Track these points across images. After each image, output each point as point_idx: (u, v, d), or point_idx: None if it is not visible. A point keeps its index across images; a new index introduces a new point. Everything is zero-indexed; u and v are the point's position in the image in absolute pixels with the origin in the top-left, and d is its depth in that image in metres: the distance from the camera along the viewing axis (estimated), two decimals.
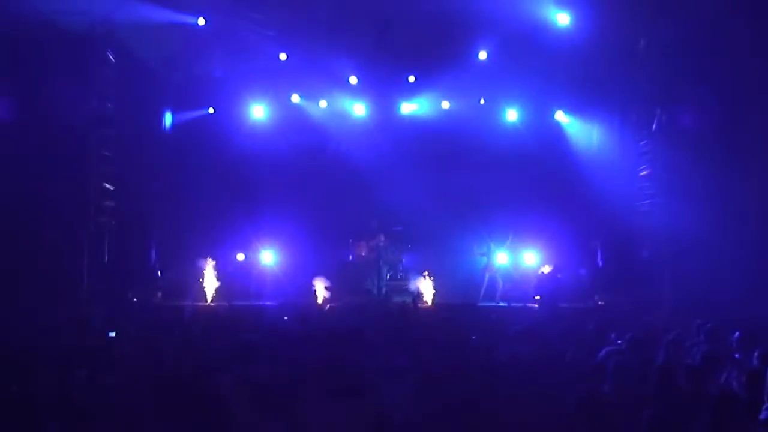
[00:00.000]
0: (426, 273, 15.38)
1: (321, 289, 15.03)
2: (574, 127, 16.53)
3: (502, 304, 15.09)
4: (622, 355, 6.14)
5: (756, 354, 6.21)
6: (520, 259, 16.19)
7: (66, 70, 13.30)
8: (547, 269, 14.75)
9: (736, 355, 6.64)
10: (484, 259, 15.78)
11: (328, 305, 14.29)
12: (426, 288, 15.21)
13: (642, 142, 14.53)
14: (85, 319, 9.06)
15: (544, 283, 14.03)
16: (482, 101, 16.75)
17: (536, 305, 14.60)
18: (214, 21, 14.57)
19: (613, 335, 7.73)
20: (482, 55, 15.37)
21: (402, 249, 16.33)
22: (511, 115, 16.87)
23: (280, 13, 14.68)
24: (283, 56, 15.43)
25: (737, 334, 7.20)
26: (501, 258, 15.81)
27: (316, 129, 17.12)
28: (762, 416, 4.82)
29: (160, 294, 15.21)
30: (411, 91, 16.62)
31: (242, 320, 9.95)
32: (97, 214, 14.15)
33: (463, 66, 15.61)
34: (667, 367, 5.61)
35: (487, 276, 15.68)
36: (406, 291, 15.76)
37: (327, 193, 16.30)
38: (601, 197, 15.71)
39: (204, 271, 15.15)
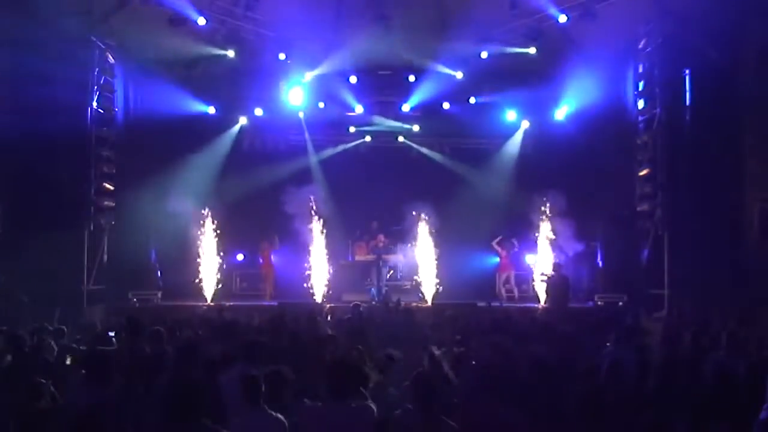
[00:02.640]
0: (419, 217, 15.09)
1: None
2: (573, 125, 16.49)
3: (494, 304, 15.11)
4: (622, 355, 6.15)
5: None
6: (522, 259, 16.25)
7: (66, 70, 13.30)
8: (549, 270, 14.74)
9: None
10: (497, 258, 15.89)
11: (328, 305, 14.29)
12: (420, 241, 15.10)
13: (641, 141, 14.54)
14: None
15: (553, 285, 14.00)
16: (473, 100, 16.66)
17: (539, 305, 14.64)
18: (214, 21, 14.56)
19: (612, 335, 7.75)
20: (482, 56, 15.37)
21: (402, 249, 16.31)
22: (511, 115, 16.89)
23: (281, 13, 14.67)
24: (282, 56, 15.42)
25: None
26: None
27: (316, 129, 17.15)
28: (762, 416, 4.81)
29: (159, 294, 15.21)
30: (411, 91, 16.59)
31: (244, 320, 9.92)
32: (97, 214, 14.16)
33: (463, 65, 15.63)
34: (667, 366, 5.61)
35: (503, 275, 15.74)
36: (406, 291, 15.80)
37: (327, 193, 16.26)
38: (601, 197, 15.74)
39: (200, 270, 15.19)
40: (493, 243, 15.86)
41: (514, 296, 15.72)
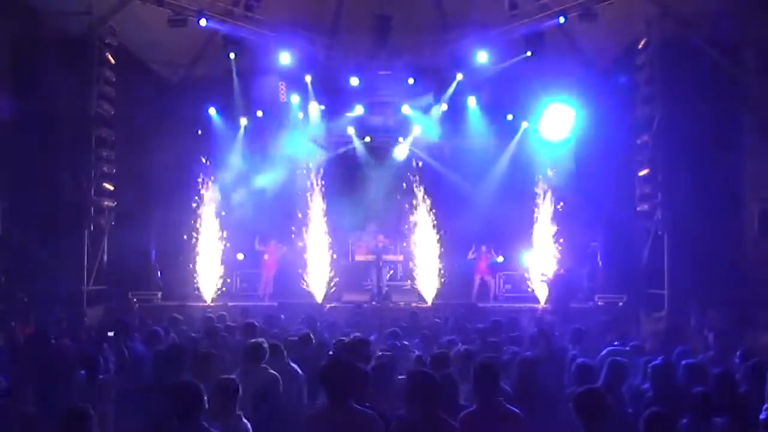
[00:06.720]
0: None
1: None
2: (572, 125, 16.46)
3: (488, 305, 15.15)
4: (621, 355, 6.15)
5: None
6: (520, 259, 16.25)
7: (66, 70, 13.30)
8: (550, 272, 14.74)
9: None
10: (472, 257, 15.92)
11: (328, 306, 14.30)
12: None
13: (641, 141, 14.53)
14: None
15: (556, 285, 14.00)
16: (473, 101, 16.65)
17: (539, 306, 14.64)
18: (214, 21, 14.54)
19: (612, 335, 7.76)
20: (482, 57, 15.33)
21: (402, 249, 16.31)
22: (510, 115, 16.88)
23: (281, 14, 14.67)
24: (283, 57, 15.40)
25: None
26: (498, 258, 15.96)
27: (316, 130, 17.15)
28: (762, 416, 4.81)
29: (159, 294, 15.21)
30: (411, 93, 16.57)
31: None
32: (97, 214, 14.16)
33: (463, 66, 15.61)
34: (666, 366, 5.62)
35: (478, 277, 15.82)
36: (406, 291, 15.81)
37: (327, 193, 16.25)
38: (600, 197, 15.72)
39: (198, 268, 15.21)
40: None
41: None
